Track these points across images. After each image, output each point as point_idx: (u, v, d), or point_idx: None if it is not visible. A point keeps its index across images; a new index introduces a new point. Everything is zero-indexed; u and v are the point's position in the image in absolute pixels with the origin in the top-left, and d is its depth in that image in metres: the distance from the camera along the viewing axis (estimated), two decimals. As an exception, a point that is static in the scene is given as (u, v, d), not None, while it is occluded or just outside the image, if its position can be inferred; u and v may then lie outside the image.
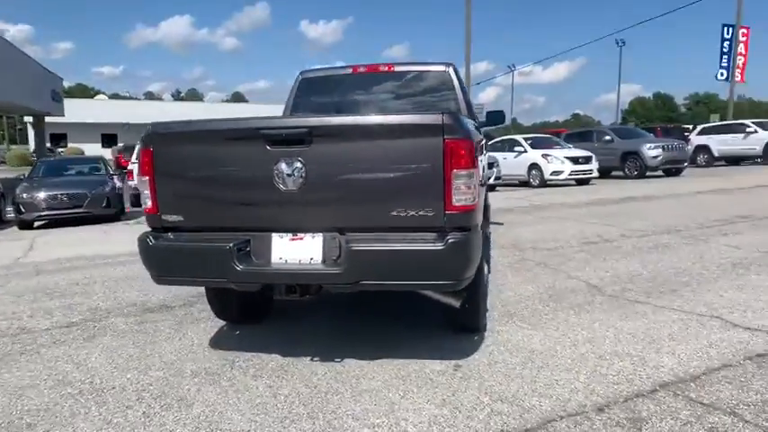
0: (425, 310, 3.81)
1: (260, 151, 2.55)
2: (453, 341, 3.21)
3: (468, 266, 2.48)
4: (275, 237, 2.63)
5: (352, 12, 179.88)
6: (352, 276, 2.46)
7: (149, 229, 2.87)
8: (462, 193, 2.40)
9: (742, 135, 18.23)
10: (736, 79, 23.97)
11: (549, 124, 76.19)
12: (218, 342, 3.37)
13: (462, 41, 19.91)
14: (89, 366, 3.06)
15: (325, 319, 3.79)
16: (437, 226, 2.47)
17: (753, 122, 18.64)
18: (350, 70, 4.64)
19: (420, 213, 2.45)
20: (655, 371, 2.73)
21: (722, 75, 24.26)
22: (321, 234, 2.58)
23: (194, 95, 73.77)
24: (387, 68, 4.52)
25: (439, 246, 2.40)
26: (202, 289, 3.54)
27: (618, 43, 44.75)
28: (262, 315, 3.65)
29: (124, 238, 7.67)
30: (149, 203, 2.77)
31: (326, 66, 4.87)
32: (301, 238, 2.60)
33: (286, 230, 2.63)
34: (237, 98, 72.40)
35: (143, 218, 2.94)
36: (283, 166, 2.51)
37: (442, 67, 4.51)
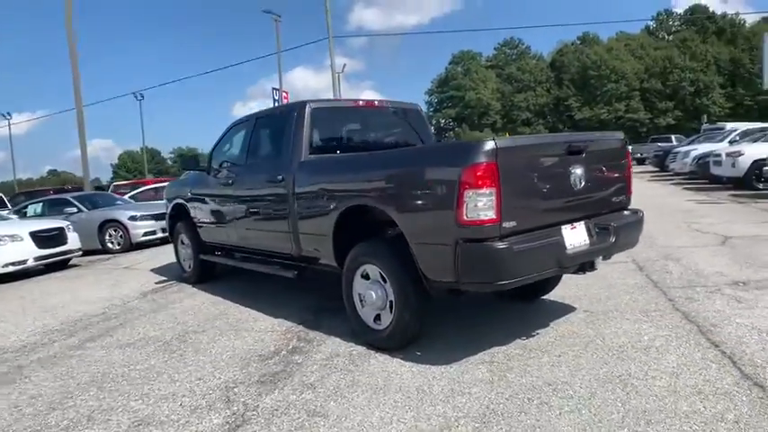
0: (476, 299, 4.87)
1: (563, 160, 3.43)
2: (540, 305, 4.62)
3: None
4: (563, 228, 3.50)
5: None
6: (617, 247, 3.69)
7: (482, 239, 3.08)
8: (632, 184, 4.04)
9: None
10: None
11: (23, 182, 66.88)
12: (427, 360, 3.64)
13: None
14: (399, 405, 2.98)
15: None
16: (624, 207, 3.99)
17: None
18: (352, 103, 5.08)
19: (621, 198, 3.92)
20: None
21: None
22: (583, 221, 3.64)
23: None
24: (378, 103, 5.23)
25: (641, 217, 3.95)
26: (273, 340, 3.52)
27: (137, 97, 47.17)
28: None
29: None
30: (492, 214, 3.06)
31: (328, 99, 4.94)
32: (575, 227, 3.58)
33: (566, 222, 3.54)
34: None
35: None
36: (576, 170, 3.49)
37: (415, 106, 5.56)
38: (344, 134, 4.99)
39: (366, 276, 3.90)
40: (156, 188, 15.59)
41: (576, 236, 3.56)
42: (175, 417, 3.07)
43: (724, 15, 59.37)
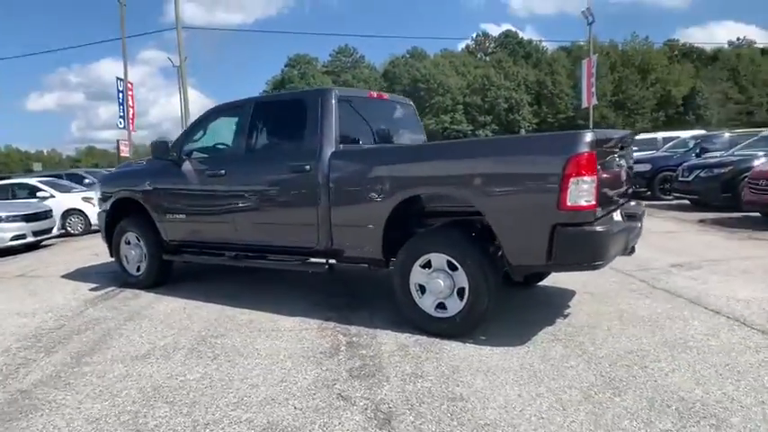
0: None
1: (618, 153, 3.87)
2: (541, 290, 5.09)
3: None
4: (614, 214, 3.93)
5: None
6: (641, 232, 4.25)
7: (580, 223, 3.36)
8: None
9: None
10: (131, 129, 27.11)
11: None
12: (497, 342, 3.84)
13: None
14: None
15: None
16: (631, 198, 4.59)
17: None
18: (366, 94, 5.07)
19: (631, 190, 4.51)
20: None
21: (120, 123, 26.80)
22: (618, 210, 4.11)
23: None
24: (385, 97, 5.24)
25: (645, 208, 4.59)
26: (317, 338, 3.83)
27: None
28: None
29: None
30: (592, 200, 3.32)
31: (347, 88, 4.74)
32: (616, 214, 4.04)
33: (613, 210, 3.97)
34: None
35: None
36: (622, 162, 3.95)
37: (409, 102, 5.63)
38: (361, 125, 4.90)
39: (426, 266, 3.93)
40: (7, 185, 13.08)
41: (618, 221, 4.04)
42: (305, 419, 2.82)
43: (530, 41, 68.31)
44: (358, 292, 5.33)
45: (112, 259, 7.54)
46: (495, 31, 73.53)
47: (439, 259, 3.87)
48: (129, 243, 5.80)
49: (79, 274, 6.84)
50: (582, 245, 3.39)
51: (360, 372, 3.40)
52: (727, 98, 56.42)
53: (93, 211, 11.89)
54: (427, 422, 2.74)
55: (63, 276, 6.82)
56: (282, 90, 66.53)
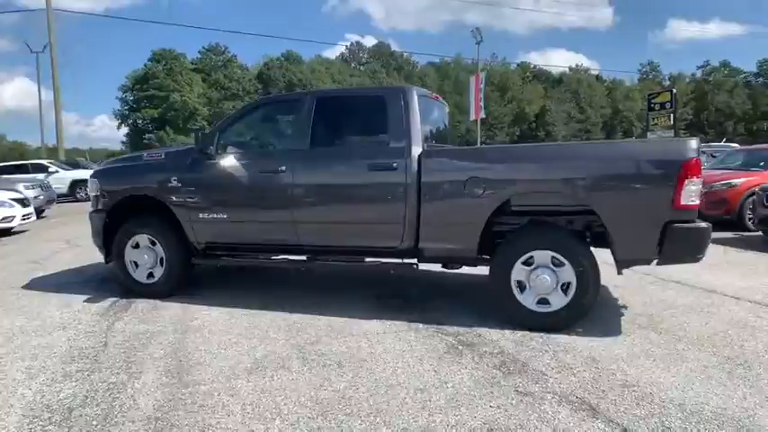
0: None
1: None
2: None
3: None
4: None
5: None
6: None
7: (689, 220, 3.74)
8: None
9: (44, 174, 19.18)
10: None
11: None
12: (595, 333, 4.11)
13: None
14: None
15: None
16: None
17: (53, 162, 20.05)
18: (430, 95, 5.10)
19: None
20: None
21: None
22: None
23: None
24: (439, 98, 5.37)
25: None
26: (421, 338, 4.04)
27: None
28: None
29: None
30: (697, 200, 3.71)
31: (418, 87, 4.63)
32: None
33: None
34: None
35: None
36: None
37: (445, 102, 5.70)
38: (429, 123, 4.88)
39: (527, 263, 4.06)
40: None
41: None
42: (517, 417, 2.82)
43: (401, 54, 71.21)
44: (403, 292, 5.27)
45: (65, 268, 6.66)
46: (360, 42, 75.40)
47: (544, 256, 4.02)
48: (137, 247, 5.10)
49: (47, 285, 5.80)
50: (691, 239, 3.79)
51: (509, 368, 3.42)
52: (570, 117, 63.89)
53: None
54: (630, 407, 2.89)
55: (24, 287, 5.75)
56: (146, 84, 62.24)
